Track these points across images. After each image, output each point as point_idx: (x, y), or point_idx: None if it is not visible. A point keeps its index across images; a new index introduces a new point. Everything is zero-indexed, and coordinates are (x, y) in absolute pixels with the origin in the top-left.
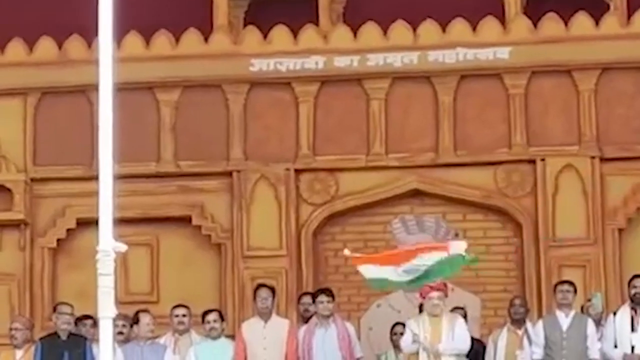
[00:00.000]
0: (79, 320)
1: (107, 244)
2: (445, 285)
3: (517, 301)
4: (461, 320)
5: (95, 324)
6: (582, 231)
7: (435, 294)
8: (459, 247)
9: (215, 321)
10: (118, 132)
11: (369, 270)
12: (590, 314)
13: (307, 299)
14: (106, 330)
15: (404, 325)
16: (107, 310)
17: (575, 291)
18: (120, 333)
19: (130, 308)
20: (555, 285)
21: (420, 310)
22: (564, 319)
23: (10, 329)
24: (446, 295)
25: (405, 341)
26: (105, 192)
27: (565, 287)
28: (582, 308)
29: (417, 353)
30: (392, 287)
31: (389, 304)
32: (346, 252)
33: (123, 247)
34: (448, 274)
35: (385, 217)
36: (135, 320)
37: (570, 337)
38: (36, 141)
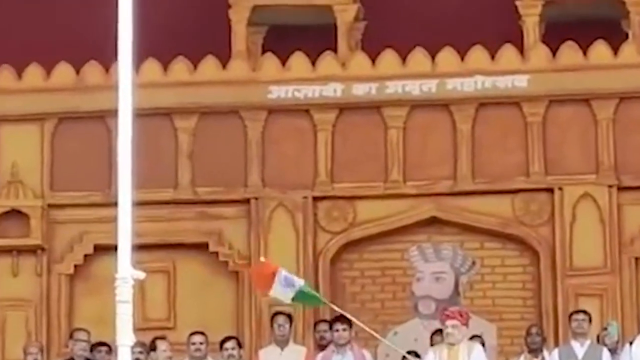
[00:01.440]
0: (93, 347)
1: (126, 271)
2: (463, 314)
3: (534, 330)
4: (480, 347)
5: (110, 350)
6: (599, 260)
7: (450, 322)
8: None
9: (233, 349)
10: (136, 158)
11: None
12: (606, 343)
13: (323, 326)
14: (124, 358)
15: (416, 354)
16: (125, 338)
17: (591, 320)
18: None
19: (147, 334)
20: (571, 315)
21: (432, 340)
22: (579, 349)
23: (26, 354)
24: (464, 324)
25: None
26: (124, 218)
27: (581, 316)
28: (597, 337)
29: None
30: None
31: (406, 332)
32: (262, 259)
33: (141, 275)
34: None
35: (403, 244)
36: (152, 347)
37: None
38: (53, 167)
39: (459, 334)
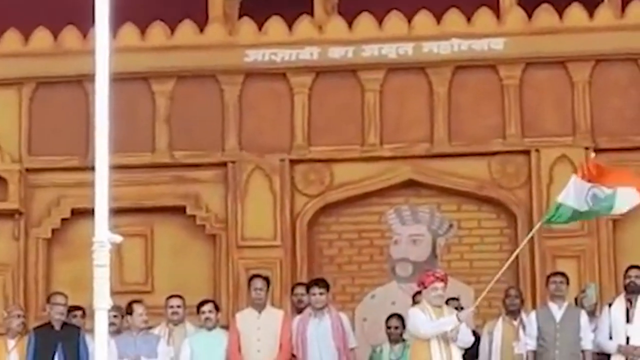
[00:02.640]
0: (69, 311)
1: (103, 235)
2: (446, 276)
3: (512, 292)
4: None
5: (84, 314)
6: (577, 222)
7: (440, 284)
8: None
9: (210, 312)
10: (113, 122)
11: (567, 193)
12: (584, 305)
13: (300, 290)
14: (101, 321)
15: (399, 317)
16: (102, 302)
17: (568, 282)
18: (112, 324)
19: (124, 298)
20: (548, 277)
21: (414, 300)
22: (557, 311)
23: (10, 316)
24: (446, 286)
25: (427, 325)
26: (101, 183)
27: (558, 278)
28: (575, 299)
29: (428, 341)
30: (568, 220)
31: (383, 295)
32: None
33: (119, 239)
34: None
35: (380, 207)
36: (128, 311)
37: (564, 328)
38: (31, 131)
39: (445, 296)
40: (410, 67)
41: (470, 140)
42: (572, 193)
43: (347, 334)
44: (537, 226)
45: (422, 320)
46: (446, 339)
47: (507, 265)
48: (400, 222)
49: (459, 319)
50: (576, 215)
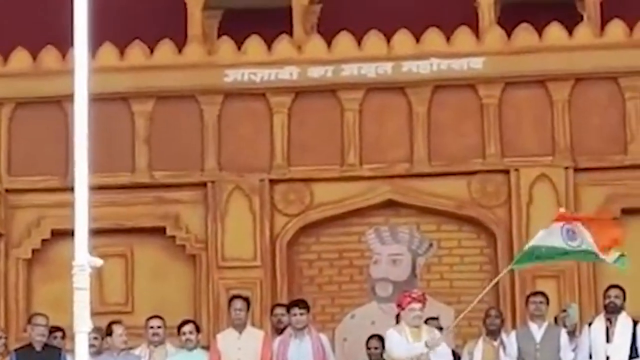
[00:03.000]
0: (49, 332)
1: (83, 258)
2: (424, 296)
3: (493, 312)
4: (439, 334)
5: (64, 335)
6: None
7: (417, 305)
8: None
9: (191, 332)
10: (92, 142)
11: (540, 236)
12: (566, 325)
13: (280, 310)
14: (82, 344)
15: (380, 338)
16: (83, 325)
17: (548, 302)
18: (92, 345)
19: (105, 318)
20: (528, 297)
21: (397, 321)
22: (537, 331)
23: None
24: (424, 306)
25: (402, 348)
26: (80, 203)
27: (539, 298)
28: (555, 319)
29: None
30: (538, 260)
31: (363, 315)
32: (561, 209)
33: (99, 262)
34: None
35: (360, 227)
36: (108, 332)
37: (544, 348)
38: (10, 152)
39: (423, 317)
40: (389, 86)
41: (450, 160)
42: (544, 235)
43: (327, 354)
44: (505, 270)
45: (396, 342)
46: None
47: (485, 291)
48: (380, 242)
49: (427, 345)
50: (552, 252)
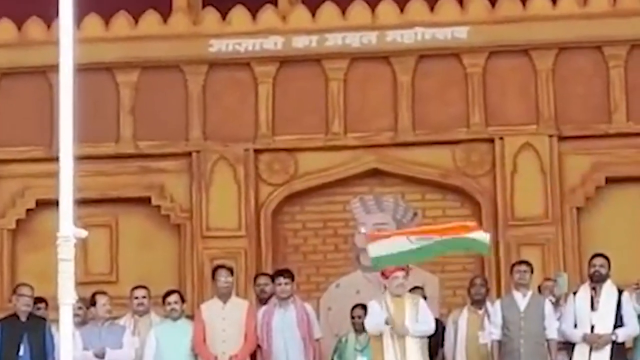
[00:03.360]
0: (33, 303)
1: (68, 229)
2: (407, 264)
3: (478, 281)
4: (423, 301)
5: (47, 306)
6: (541, 210)
7: (400, 273)
8: (481, 235)
9: (176, 302)
10: (77, 113)
11: (377, 247)
12: (555, 294)
13: (263, 280)
14: (67, 316)
15: (364, 307)
16: (67, 297)
17: (532, 271)
18: (77, 315)
19: (89, 288)
20: (512, 266)
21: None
22: (522, 299)
23: None
24: (408, 275)
25: (371, 322)
26: (65, 174)
27: (523, 267)
28: (539, 288)
29: (381, 335)
30: (395, 262)
31: (348, 284)
32: (362, 230)
33: (84, 233)
34: (457, 249)
35: (345, 196)
36: (92, 302)
37: (528, 317)
38: None
39: (407, 285)
40: (374, 56)
41: (434, 129)
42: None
43: (312, 324)
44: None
45: (371, 314)
46: (402, 332)
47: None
48: (365, 211)
49: (386, 323)
50: (402, 256)
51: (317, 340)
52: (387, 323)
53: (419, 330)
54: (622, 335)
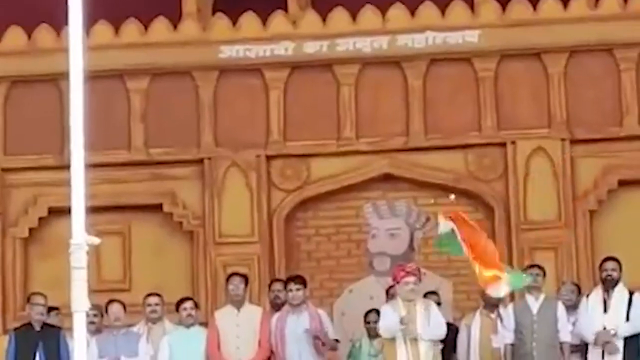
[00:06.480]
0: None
1: (80, 237)
2: (419, 269)
3: None
4: (435, 306)
5: (59, 314)
6: (553, 214)
7: (411, 278)
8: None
9: (192, 309)
10: (88, 120)
11: (447, 226)
12: (571, 299)
13: (277, 286)
14: (80, 323)
15: (377, 312)
16: (80, 305)
17: (545, 275)
18: (92, 323)
19: (103, 296)
20: (525, 270)
21: (387, 295)
22: (534, 303)
23: None
24: (420, 280)
25: (385, 323)
26: (77, 181)
27: (535, 270)
28: (558, 290)
29: (394, 338)
30: (452, 251)
31: (361, 289)
32: (452, 197)
33: (96, 240)
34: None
35: (357, 202)
36: (107, 310)
37: (541, 320)
38: (6, 131)
39: (419, 291)
40: (385, 61)
41: (446, 133)
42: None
43: (325, 329)
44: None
45: (384, 318)
46: (415, 336)
47: None
48: (378, 216)
49: (402, 322)
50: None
51: (336, 340)
52: (402, 322)
53: (432, 334)
54: (623, 330)
